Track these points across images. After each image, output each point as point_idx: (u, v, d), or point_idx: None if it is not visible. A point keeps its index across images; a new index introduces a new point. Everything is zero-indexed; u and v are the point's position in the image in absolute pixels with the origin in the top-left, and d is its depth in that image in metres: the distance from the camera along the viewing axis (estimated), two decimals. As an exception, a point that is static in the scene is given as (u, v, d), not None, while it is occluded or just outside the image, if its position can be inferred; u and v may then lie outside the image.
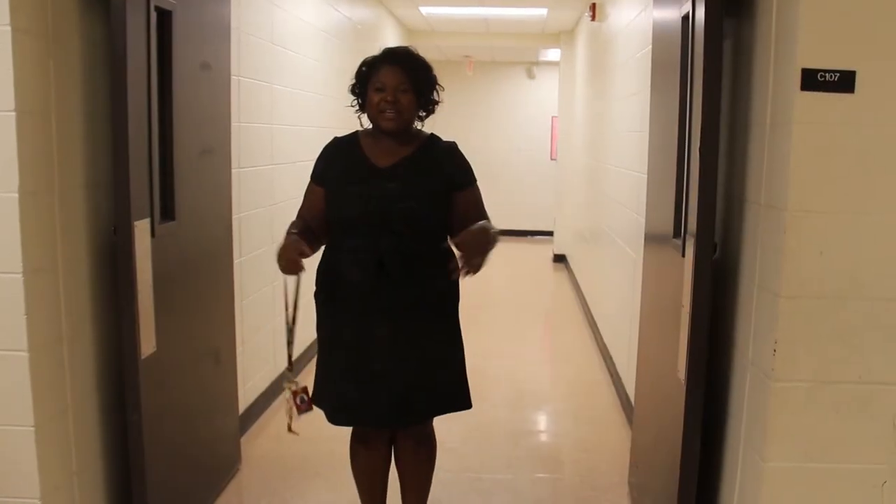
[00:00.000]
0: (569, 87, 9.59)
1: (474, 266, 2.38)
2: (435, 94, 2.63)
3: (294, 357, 2.71)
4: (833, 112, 2.09)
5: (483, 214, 2.65)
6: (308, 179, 2.71)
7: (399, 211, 2.51)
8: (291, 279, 2.55)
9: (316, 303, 2.69)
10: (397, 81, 2.51)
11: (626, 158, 4.84)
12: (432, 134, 2.69)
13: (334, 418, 2.68)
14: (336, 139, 2.70)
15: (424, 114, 2.65)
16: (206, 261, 3.26)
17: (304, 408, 2.67)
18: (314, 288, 2.69)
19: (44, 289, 2.38)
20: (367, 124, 2.64)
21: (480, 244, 2.42)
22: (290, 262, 2.44)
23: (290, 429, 2.65)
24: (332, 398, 2.66)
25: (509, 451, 3.96)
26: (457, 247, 2.43)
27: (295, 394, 2.66)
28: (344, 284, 2.58)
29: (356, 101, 2.64)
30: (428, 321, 2.62)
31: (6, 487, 2.37)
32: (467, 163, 2.66)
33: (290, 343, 2.69)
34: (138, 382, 2.54)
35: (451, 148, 2.67)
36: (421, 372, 2.60)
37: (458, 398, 2.71)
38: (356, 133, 2.68)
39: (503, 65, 12.53)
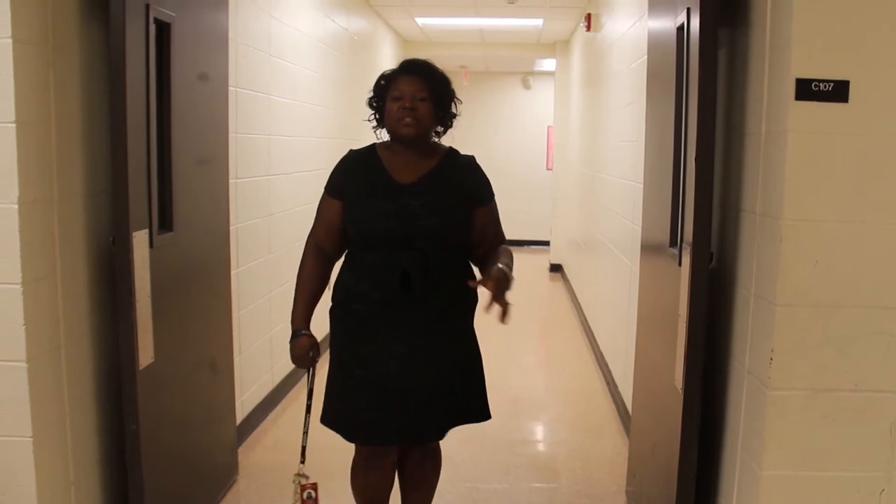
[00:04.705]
0: (564, 96, 9.62)
1: (502, 303, 2.36)
2: (453, 107, 2.62)
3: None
4: (827, 121, 2.11)
5: (499, 231, 2.66)
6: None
7: (423, 228, 2.48)
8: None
9: (331, 318, 2.65)
10: (415, 89, 2.50)
11: (621, 168, 4.86)
12: (451, 147, 2.67)
13: (348, 434, 2.63)
14: (352, 152, 2.64)
15: (442, 129, 2.63)
16: (204, 271, 3.26)
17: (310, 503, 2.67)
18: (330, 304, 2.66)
19: (42, 299, 2.38)
20: (385, 138, 2.63)
21: (508, 282, 2.40)
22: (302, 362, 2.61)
23: None
24: (347, 415, 2.60)
25: (506, 460, 3.96)
26: (485, 285, 2.37)
27: (304, 488, 2.65)
28: (362, 299, 2.55)
29: (374, 116, 2.63)
30: (448, 335, 2.59)
31: (3, 497, 2.37)
32: (486, 178, 2.64)
33: (305, 433, 2.70)
34: (136, 392, 2.54)
35: (471, 163, 2.65)
36: (441, 388, 2.57)
37: (479, 409, 2.68)
38: (373, 146, 2.64)
39: (499, 75, 12.57)
